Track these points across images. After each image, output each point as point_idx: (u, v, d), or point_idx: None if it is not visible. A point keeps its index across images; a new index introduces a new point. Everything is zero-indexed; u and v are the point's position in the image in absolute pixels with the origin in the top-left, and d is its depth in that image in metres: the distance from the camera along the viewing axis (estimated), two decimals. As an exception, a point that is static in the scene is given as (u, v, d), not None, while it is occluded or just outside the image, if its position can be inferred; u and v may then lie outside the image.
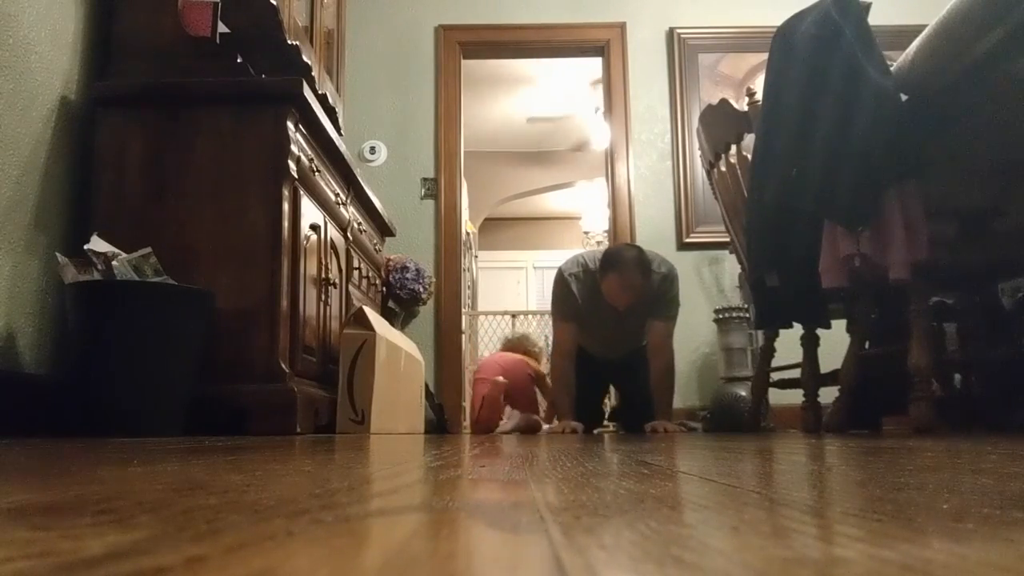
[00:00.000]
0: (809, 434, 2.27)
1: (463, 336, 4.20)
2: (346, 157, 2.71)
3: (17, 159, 1.92)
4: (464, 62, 4.26)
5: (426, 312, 3.94)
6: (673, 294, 2.93)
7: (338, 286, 2.73)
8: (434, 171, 4.07)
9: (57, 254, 1.92)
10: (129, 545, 0.27)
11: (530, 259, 8.52)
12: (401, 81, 4.16)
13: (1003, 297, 2.50)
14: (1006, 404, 2.37)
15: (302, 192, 2.28)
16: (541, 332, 5.15)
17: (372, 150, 4.09)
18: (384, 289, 3.69)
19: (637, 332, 3.01)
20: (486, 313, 5.37)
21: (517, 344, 3.81)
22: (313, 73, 3.00)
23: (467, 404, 4.02)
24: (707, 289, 4.01)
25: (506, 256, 8.35)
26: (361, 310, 2.61)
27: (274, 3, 2.48)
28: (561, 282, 3.01)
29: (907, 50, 1.86)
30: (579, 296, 2.95)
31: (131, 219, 2.10)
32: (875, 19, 1.99)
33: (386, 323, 2.89)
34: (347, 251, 2.92)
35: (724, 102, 2.58)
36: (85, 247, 1.91)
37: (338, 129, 3.22)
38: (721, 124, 2.59)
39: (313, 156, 2.41)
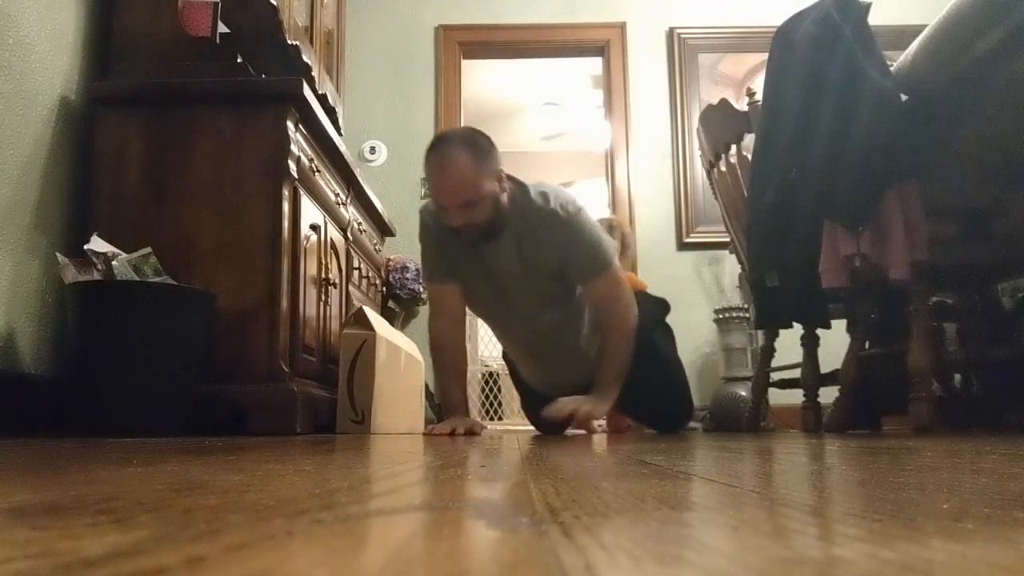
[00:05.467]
0: (809, 434, 2.27)
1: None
2: (346, 157, 2.71)
3: (17, 159, 1.92)
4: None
5: (426, 312, 3.93)
6: (586, 233, 2.09)
7: (338, 286, 2.73)
8: (434, 171, 4.06)
9: (57, 254, 1.92)
10: (129, 545, 0.27)
11: (530, 259, 8.49)
12: (401, 81, 4.16)
13: (1003, 297, 2.50)
14: (1006, 404, 2.37)
15: (302, 192, 2.28)
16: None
17: (372, 150, 4.08)
18: (384, 289, 3.69)
19: (565, 318, 2.18)
20: (486, 313, 5.36)
21: None
22: (313, 73, 3.00)
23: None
24: (707, 289, 4.00)
25: (506, 256, 8.34)
26: (361, 310, 2.61)
27: (274, 3, 2.48)
28: (422, 227, 2.19)
29: (907, 50, 1.86)
30: (446, 245, 2.12)
31: (131, 219, 2.10)
32: (875, 19, 1.99)
33: (386, 323, 2.89)
34: (347, 251, 2.91)
35: (724, 102, 2.58)
36: (85, 247, 1.91)
37: (338, 129, 3.22)
38: (721, 124, 2.58)
39: (313, 156, 2.41)
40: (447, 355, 2.23)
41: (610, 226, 3.05)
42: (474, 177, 1.96)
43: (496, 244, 2.08)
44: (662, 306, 2.60)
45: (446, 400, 2.23)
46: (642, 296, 2.45)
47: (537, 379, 2.46)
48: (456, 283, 2.19)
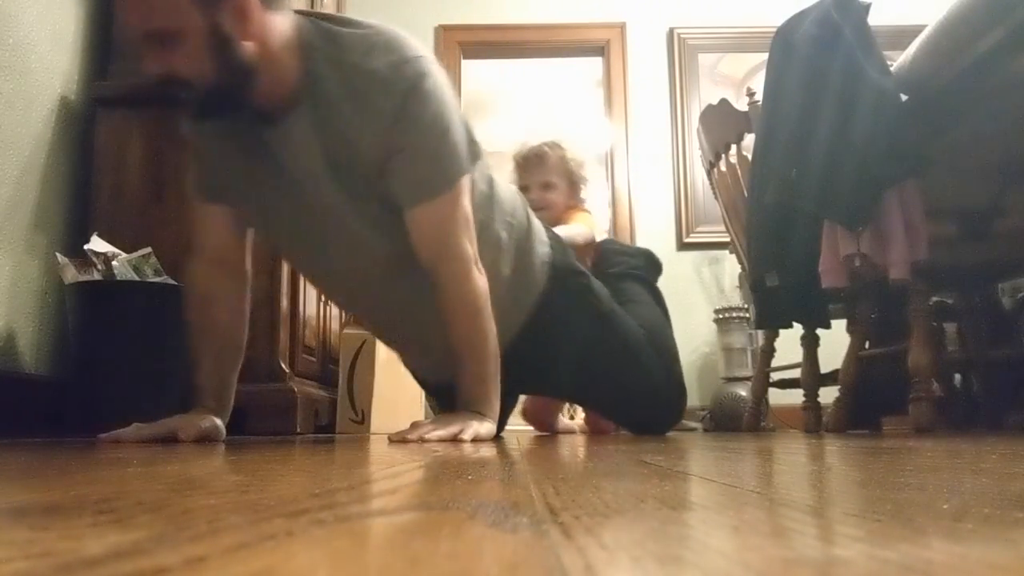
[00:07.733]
0: (809, 434, 2.27)
1: (463, 336, 4.19)
2: (346, 157, 2.71)
3: (17, 159, 1.92)
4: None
5: (426, 312, 3.93)
6: (428, 119, 1.28)
7: (338, 286, 2.73)
8: (434, 171, 4.06)
9: (57, 254, 1.92)
10: (129, 545, 0.27)
11: (530, 259, 8.47)
12: (401, 81, 4.16)
13: (1003, 297, 2.50)
14: (1006, 404, 2.37)
15: (302, 192, 2.28)
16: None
17: (372, 150, 4.08)
18: (384, 289, 3.68)
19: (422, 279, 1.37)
20: (486, 313, 5.36)
21: None
22: (313, 73, 2.99)
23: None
24: (707, 289, 4.01)
25: (506, 256, 8.33)
26: (361, 310, 2.61)
27: (274, 3, 2.48)
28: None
29: (907, 50, 1.86)
30: (219, 140, 1.44)
31: (131, 219, 2.10)
32: (875, 19, 1.99)
33: (386, 323, 2.89)
34: (347, 251, 2.91)
35: (724, 102, 2.58)
36: (85, 247, 1.91)
37: (338, 129, 3.22)
38: (721, 124, 2.58)
39: (313, 156, 2.40)
40: (201, 316, 1.47)
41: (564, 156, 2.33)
42: None
43: (285, 129, 1.31)
44: (645, 268, 2.12)
45: (195, 382, 1.47)
46: (624, 249, 2.20)
47: (413, 364, 1.77)
48: (225, 207, 1.45)
